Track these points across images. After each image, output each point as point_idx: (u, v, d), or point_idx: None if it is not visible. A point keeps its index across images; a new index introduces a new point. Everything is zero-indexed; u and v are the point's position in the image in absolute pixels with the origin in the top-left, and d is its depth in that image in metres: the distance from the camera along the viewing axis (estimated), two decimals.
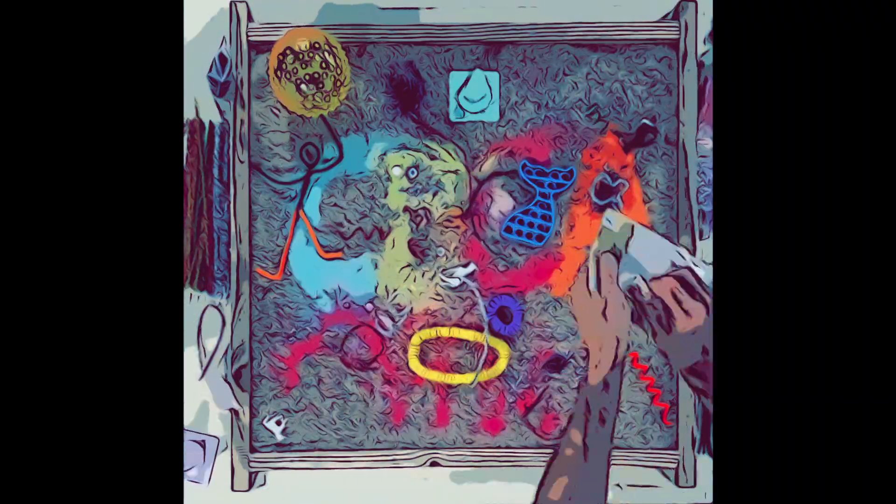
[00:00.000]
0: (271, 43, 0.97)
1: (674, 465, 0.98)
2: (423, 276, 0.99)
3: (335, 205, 1.00)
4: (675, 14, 1.00)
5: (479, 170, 1.00)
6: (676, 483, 0.98)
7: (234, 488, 0.98)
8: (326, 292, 1.00)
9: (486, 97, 0.99)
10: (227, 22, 0.99)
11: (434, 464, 0.98)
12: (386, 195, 1.00)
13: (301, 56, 0.93)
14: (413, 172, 1.00)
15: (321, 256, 0.99)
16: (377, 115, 1.00)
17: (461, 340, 0.99)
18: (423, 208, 1.00)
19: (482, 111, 0.99)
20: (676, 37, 0.99)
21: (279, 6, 1.00)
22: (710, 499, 1.00)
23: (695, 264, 0.74)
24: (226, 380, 0.98)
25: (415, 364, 0.98)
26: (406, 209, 1.00)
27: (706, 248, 1.00)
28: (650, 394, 1.00)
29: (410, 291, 1.00)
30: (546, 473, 0.76)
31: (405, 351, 0.99)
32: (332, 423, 1.00)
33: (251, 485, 0.98)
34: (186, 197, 1.00)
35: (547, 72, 1.00)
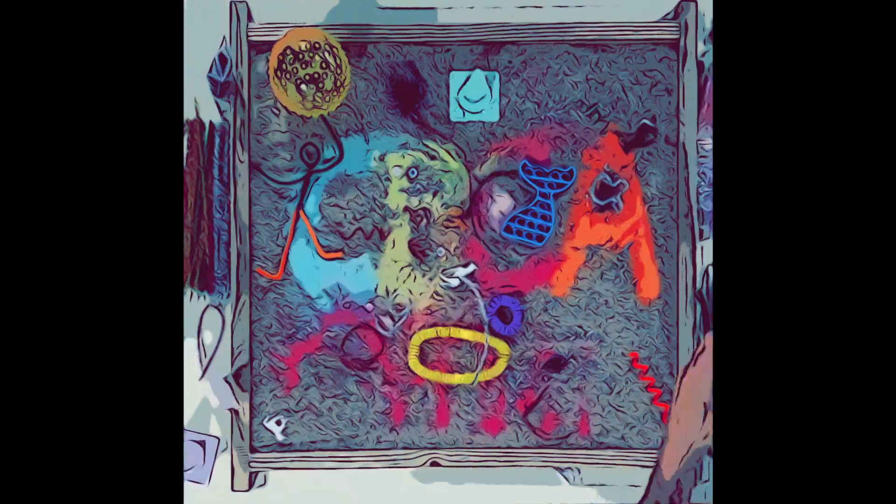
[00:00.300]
0: (271, 43, 0.97)
1: None
2: (423, 276, 1.00)
3: (335, 205, 1.00)
4: (675, 14, 1.00)
5: (479, 170, 1.00)
6: None
7: (234, 488, 0.98)
8: (326, 292, 1.00)
9: (486, 97, 0.99)
10: (227, 22, 0.99)
11: (434, 464, 0.98)
12: (386, 195, 1.00)
13: (301, 56, 0.93)
14: (413, 172, 1.00)
15: (321, 256, 0.99)
16: (377, 115, 1.00)
17: (461, 340, 0.99)
18: (423, 208, 1.00)
19: (482, 111, 0.99)
20: (676, 37, 0.99)
21: (279, 6, 1.00)
22: (710, 499, 1.00)
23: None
24: (226, 380, 0.98)
25: (415, 364, 0.98)
26: (406, 209, 1.00)
27: (706, 248, 1.00)
28: (650, 394, 1.00)
29: (410, 291, 1.00)
30: None
31: (405, 351, 0.99)
32: (332, 423, 1.00)
33: (251, 485, 0.98)
34: (186, 197, 1.00)
35: (547, 72, 1.00)
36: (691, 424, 0.74)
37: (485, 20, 0.99)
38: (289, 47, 0.93)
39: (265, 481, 1.02)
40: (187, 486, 0.99)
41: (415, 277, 1.00)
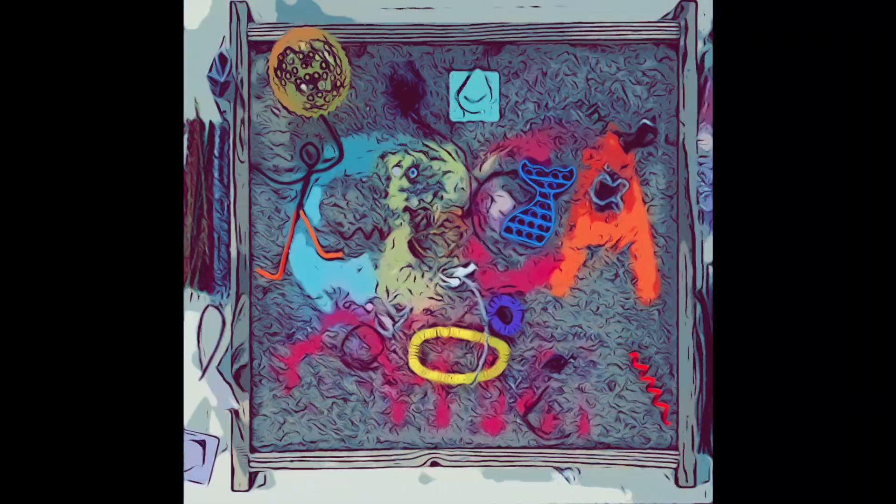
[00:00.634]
0: (271, 43, 0.97)
1: (674, 465, 0.98)
2: (423, 276, 0.99)
3: (335, 205, 1.00)
4: (675, 14, 1.00)
5: (479, 170, 1.00)
6: (676, 483, 0.98)
7: (234, 488, 0.98)
8: (326, 292, 1.00)
9: (485, 97, 0.99)
10: (227, 22, 0.99)
11: (434, 464, 0.98)
12: (386, 195, 1.00)
13: (301, 56, 0.93)
14: (413, 172, 1.00)
15: (321, 256, 0.99)
16: (377, 115, 1.00)
17: (461, 340, 0.99)
18: (423, 208, 1.00)
19: (482, 111, 0.99)
20: (676, 37, 0.99)
21: (279, 6, 1.00)
22: (710, 499, 1.00)
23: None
24: (226, 380, 0.98)
25: (415, 364, 0.98)
26: (406, 209, 1.00)
27: (706, 248, 1.00)
28: (650, 394, 1.00)
29: (410, 291, 1.00)
30: None
31: (405, 351, 0.99)
32: (332, 423, 1.00)
33: (251, 485, 0.98)
34: (186, 197, 1.00)
35: (547, 72, 1.00)
36: None
37: (485, 20, 0.99)
38: (289, 47, 0.93)
39: (265, 481, 1.02)
40: (187, 486, 0.99)
41: (415, 277, 1.00)
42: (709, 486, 0.99)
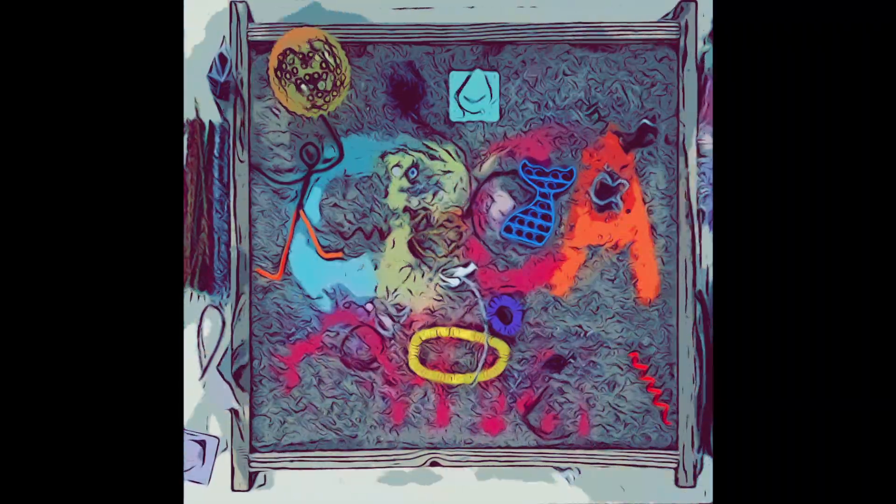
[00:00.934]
0: (271, 43, 0.97)
1: (674, 465, 0.98)
2: (423, 276, 0.99)
3: (335, 205, 1.00)
4: (675, 14, 1.00)
5: (479, 170, 1.00)
6: (676, 483, 0.98)
7: (234, 488, 0.98)
8: (326, 292, 1.00)
9: (485, 97, 0.99)
10: (227, 22, 0.99)
11: (434, 464, 0.98)
12: (386, 195, 1.00)
13: (301, 56, 0.93)
14: (413, 172, 1.00)
15: (321, 256, 0.99)
16: (377, 115, 1.00)
17: (461, 340, 0.99)
18: (423, 208, 1.00)
19: (482, 111, 0.99)
20: (676, 37, 0.99)
21: (279, 6, 1.00)
22: (710, 499, 1.00)
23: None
24: (226, 380, 0.98)
25: (415, 364, 0.98)
26: (406, 209, 1.00)
27: (706, 248, 1.00)
28: (650, 394, 1.00)
29: (410, 291, 1.00)
30: None
31: (405, 351, 0.99)
32: (332, 423, 1.00)
33: (251, 485, 0.98)
34: (186, 197, 1.00)
35: (547, 72, 1.00)
36: None
37: (485, 20, 0.99)
38: (289, 47, 0.93)
39: (265, 481, 1.02)
40: (187, 486, 0.99)
41: (415, 277, 0.99)
42: (709, 486, 0.99)
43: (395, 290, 0.99)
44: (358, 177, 1.00)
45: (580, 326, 1.00)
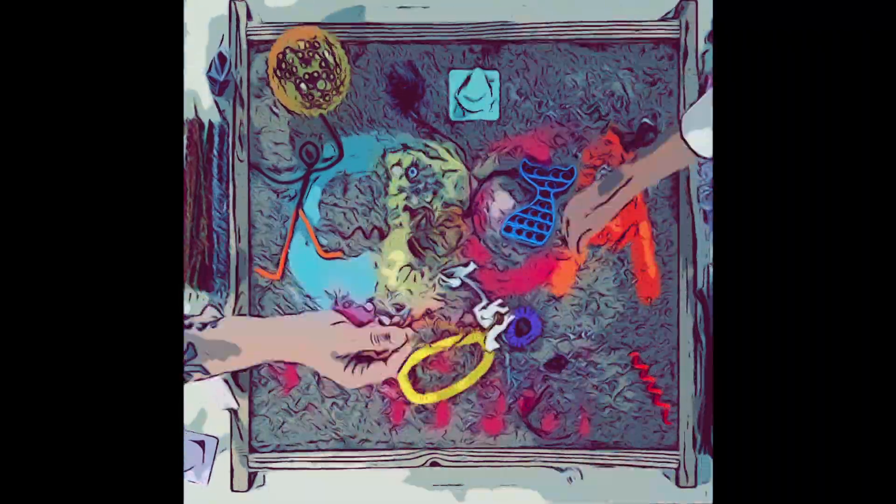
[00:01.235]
0: (271, 42, 0.97)
1: (674, 465, 0.98)
2: (422, 276, 0.99)
3: (335, 204, 1.00)
4: (676, 13, 1.00)
5: (479, 169, 1.00)
6: (676, 483, 0.98)
7: (234, 488, 0.98)
8: (326, 292, 1.00)
9: (485, 96, 0.99)
10: (226, 21, 0.98)
11: (434, 464, 0.98)
12: (386, 195, 1.00)
13: (301, 55, 0.93)
14: (413, 172, 1.00)
15: (321, 256, 0.99)
16: (377, 115, 1.00)
17: (444, 352, 0.98)
18: (423, 208, 0.99)
19: (482, 111, 0.99)
20: (677, 36, 0.99)
21: (279, 5, 1.00)
22: (710, 499, 1.00)
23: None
24: (225, 380, 0.98)
25: (412, 395, 0.97)
26: (406, 209, 0.99)
27: (706, 247, 1.00)
28: (650, 394, 0.99)
29: (410, 291, 0.99)
30: None
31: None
32: (331, 423, 1.00)
33: (251, 485, 0.98)
34: (186, 196, 1.00)
35: (547, 72, 1.00)
36: None
37: (485, 19, 0.99)
38: (288, 46, 0.92)
39: (265, 481, 1.02)
40: (187, 486, 0.99)
41: (415, 277, 0.99)
42: (709, 486, 0.99)
43: (396, 290, 0.99)
44: (357, 176, 1.00)
45: (580, 326, 0.99)
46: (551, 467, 0.99)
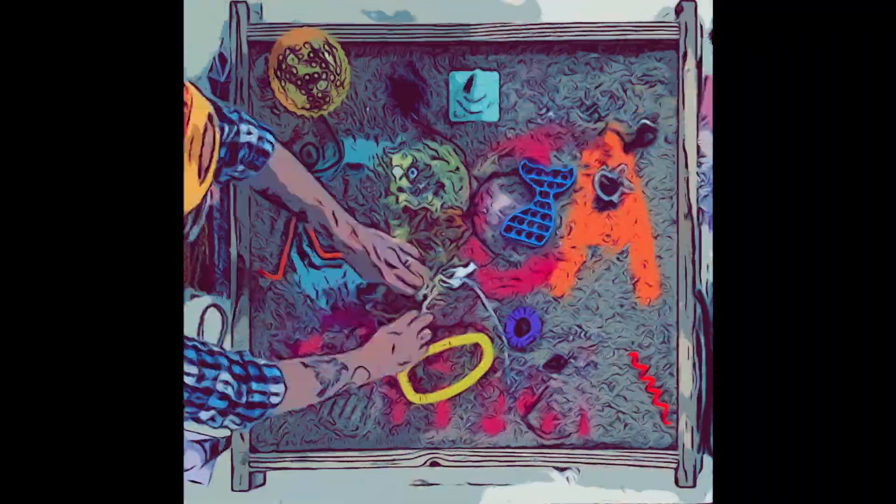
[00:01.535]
0: (271, 43, 0.97)
1: (674, 465, 0.98)
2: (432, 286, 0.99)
3: None
4: (675, 14, 1.00)
5: (479, 170, 1.00)
6: (676, 483, 0.98)
7: (234, 488, 0.98)
8: (326, 292, 1.00)
9: (486, 97, 0.99)
10: (227, 22, 0.98)
11: (434, 464, 0.98)
12: (386, 195, 1.00)
13: (301, 56, 0.93)
14: (413, 172, 1.00)
15: (321, 256, 0.99)
16: (377, 115, 1.00)
17: (443, 351, 0.98)
18: (423, 208, 0.99)
19: (482, 111, 0.99)
20: (676, 37, 0.99)
21: (279, 5, 1.00)
22: (710, 499, 1.00)
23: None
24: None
25: (413, 395, 0.97)
26: (406, 209, 0.99)
27: (706, 248, 1.00)
28: (650, 394, 0.99)
29: None
30: None
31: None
32: (331, 423, 1.00)
33: (251, 485, 0.98)
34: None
35: (547, 72, 1.00)
36: None
37: (485, 20, 0.99)
38: (289, 47, 0.93)
39: (265, 481, 1.02)
40: (187, 486, 0.99)
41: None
42: (709, 486, 0.99)
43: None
44: (358, 177, 1.00)
45: (580, 326, 0.99)
46: (551, 467, 0.99)
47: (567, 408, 1.00)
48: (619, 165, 1.00)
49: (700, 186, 0.99)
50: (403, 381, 0.97)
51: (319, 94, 0.94)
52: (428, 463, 0.98)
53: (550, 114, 1.00)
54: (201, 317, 1.00)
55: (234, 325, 0.98)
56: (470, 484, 1.01)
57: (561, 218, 0.99)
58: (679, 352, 0.99)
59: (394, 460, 0.98)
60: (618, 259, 1.00)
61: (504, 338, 0.98)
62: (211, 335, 1.00)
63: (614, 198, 0.99)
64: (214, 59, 0.98)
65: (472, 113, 0.99)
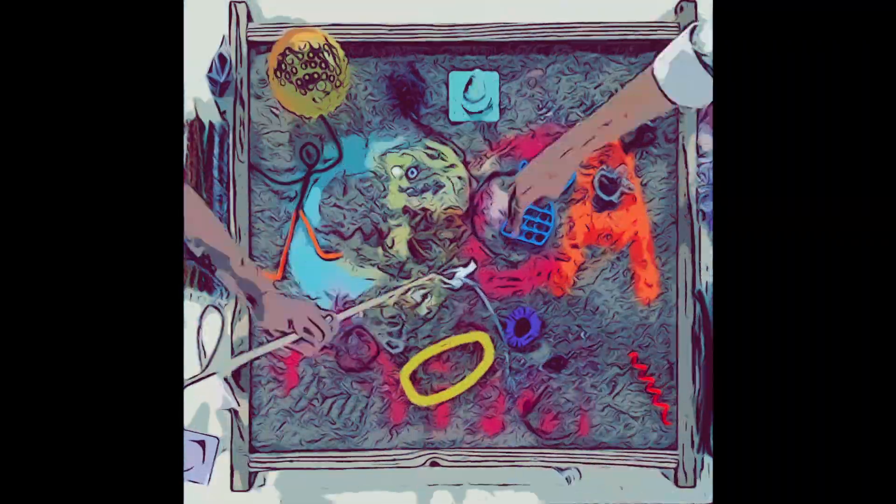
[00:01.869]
0: (271, 43, 0.97)
1: (674, 465, 0.98)
2: (423, 276, 0.99)
3: (335, 205, 1.00)
4: (675, 14, 1.00)
5: (479, 170, 1.00)
6: (676, 483, 0.98)
7: (234, 488, 0.98)
8: (326, 292, 1.00)
9: (486, 98, 0.99)
10: (226, 22, 0.99)
11: (434, 464, 0.98)
12: (386, 195, 1.00)
13: (301, 56, 0.93)
14: (413, 172, 1.00)
15: (321, 257, 0.99)
16: (377, 115, 1.00)
17: (441, 353, 0.98)
18: (423, 208, 0.99)
19: (482, 112, 0.99)
20: (676, 37, 0.98)
21: (279, 5, 1.00)
22: (709, 499, 1.00)
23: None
24: (225, 380, 0.98)
25: (415, 397, 0.97)
26: (406, 209, 1.00)
27: (706, 248, 1.00)
28: (650, 394, 1.00)
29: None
30: None
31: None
32: (331, 423, 1.00)
33: (251, 485, 0.98)
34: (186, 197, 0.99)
35: (547, 72, 1.00)
36: None
37: (485, 20, 0.99)
38: (288, 47, 0.92)
39: (265, 481, 1.02)
40: (187, 486, 0.99)
41: (415, 278, 0.99)
42: (709, 486, 0.99)
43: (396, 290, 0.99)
44: (358, 177, 1.00)
45: (580, 326, 1.00)
46: (551, 467, 0.99)
47: (567, 408, 1.00)
48: (619, 165, 1.00)
49: (700, 186, 0.99)
50: (406, 382, 0.97)
51: (319, 95, 0.94)
52: (428, 463, 0.98)
53: (550, 114, 1.00)
54: (201, 317, 1.00)
55: (233, 325, 0.98)
56: (470, 484, 1.01)
57: (561, 217, 0.99)
58: (679, 352, 0.99)
59: (394, 460, 0.98)
60: (618, 259, 1.00)
61: (504, 339, 0.98)
62: (211, 335, 1.00)
63: (614, 198, 0.99)
64: (214, 59, 0.98)
65: (472, 113, 0.99)
